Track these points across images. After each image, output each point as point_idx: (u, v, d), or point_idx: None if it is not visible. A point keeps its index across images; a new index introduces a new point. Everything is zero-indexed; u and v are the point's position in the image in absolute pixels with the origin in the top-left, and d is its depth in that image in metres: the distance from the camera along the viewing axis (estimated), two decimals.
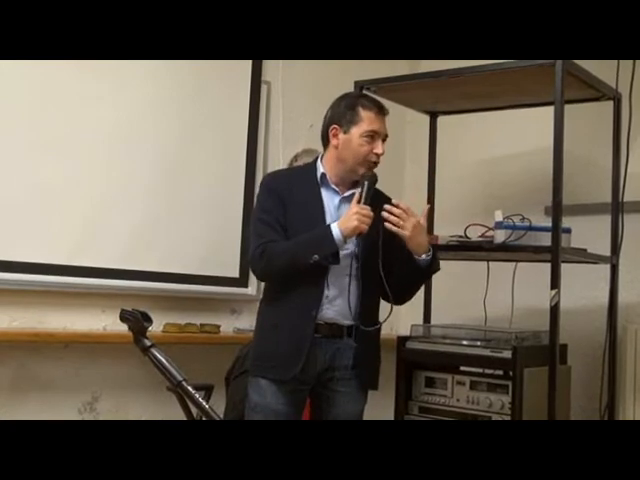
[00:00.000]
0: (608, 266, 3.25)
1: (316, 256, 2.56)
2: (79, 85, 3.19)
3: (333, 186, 2.73)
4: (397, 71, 3.30)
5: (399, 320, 4.28)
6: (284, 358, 2.63)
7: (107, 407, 3.33)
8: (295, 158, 3.97)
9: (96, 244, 3.24)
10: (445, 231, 3.25)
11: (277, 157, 3.87)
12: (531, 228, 2.94)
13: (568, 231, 2.95)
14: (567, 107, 2.84)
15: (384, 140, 2.72)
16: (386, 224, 2.63)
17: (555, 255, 2.77)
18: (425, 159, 3.79)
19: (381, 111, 2.71)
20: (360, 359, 2.70)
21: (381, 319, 2.78)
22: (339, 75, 3.62)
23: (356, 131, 2.67)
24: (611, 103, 3.27)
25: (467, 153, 4.07)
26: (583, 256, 3.07)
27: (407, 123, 4.34)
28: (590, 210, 3.51)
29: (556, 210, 2.79)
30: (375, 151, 2.68)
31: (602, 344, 3.28)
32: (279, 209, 2.68)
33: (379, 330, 2.81)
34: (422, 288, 3.72)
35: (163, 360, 1.85)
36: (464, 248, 3.12)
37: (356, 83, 3.32)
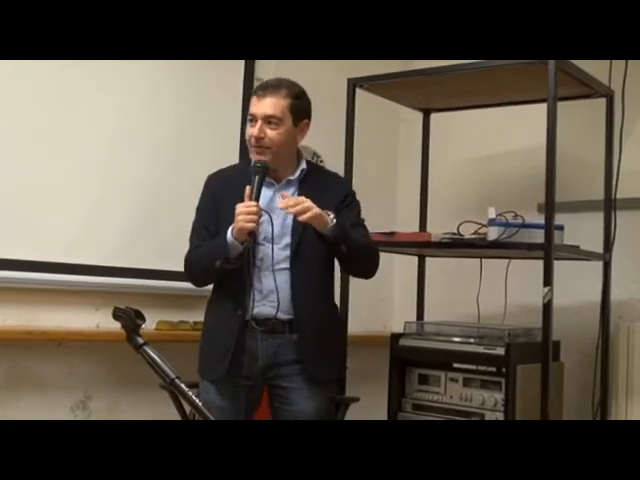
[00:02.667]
0: (601, 263, 3.26)
1: (218, 262, 2.54)
2: (73, 82, 3.18)
3: (267, 178, 2.65)
4: (390, 68, 3.30)
5: (392, 317, 4.30)
6: (213, 358, 2.64)
7: (100, 405, 3.33)
8: None
9: (90, 241, 3.23)
10: (438, 228, 3.25)
11: None
12: (524, 225, 2.95)
13: (561, 228, 2.95)
14: (560, 104, 2.84)
15: (270, 122, 2.58)
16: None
17: (548, 252, 2.78)
18: (418, 156, 3.79)
19: (264, 92, 2.61)
20: (304, 353, 2.63)
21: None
22: (332, 72, 3.62)
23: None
24: (604, 100, 3.28)
25: (460, 150, 4.08)
26: (576, 253, 3.08)
27: (400, 120, 4.34)
28: (583, 207, 3.51)
29: (549, 207, 2.79)
30: (252, 134, 2.59)
31: (595, 341, 3.29)
32: (209, 211, 2.69)
33: (333, 318, 2.78)
34: (416, 284, 3.75)
35: (156, 358, 1.84)
36: (457, 245, 3.13)
37: (349, 80, 3.32)
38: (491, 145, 3.97)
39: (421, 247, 3.37)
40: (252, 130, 2.60)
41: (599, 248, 3.24)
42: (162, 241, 3.43)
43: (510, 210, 3.01)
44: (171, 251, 3.45)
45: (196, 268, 2.67)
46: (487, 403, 3.01)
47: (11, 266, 3.04)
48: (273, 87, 2.62)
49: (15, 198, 3.06)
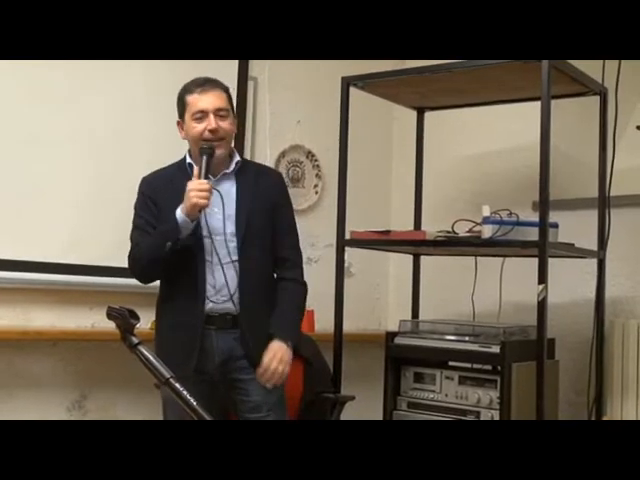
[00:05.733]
0: (595, 261, 3.27)
1: (169, 243, 2.56)
2: (70, 81, 3.19)
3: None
4: (384, 67, 3.30)
5: (387, 315, 4.30)
6: (178, 359, 2.54)
7: (96, 405, 3.33)
8: (282, 154, 3.97)
9: (83, 241, 3.24)
10: (433, 227, 3.25)
11: (264, 153, 3.87)
12: (518, 223, 2.95)
13: (555, 226, 2.96)
14: (553, 102, 2.85)
15: (221, 115, 2.67)
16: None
17: (542, 250, 2.78)
18: (412, 155, 3.79)
19: (204, 88, 2.68)
20: (247, 347, 2.66)
21: None
22: (326, 71, 3.63)
23: (188, 117, 2.69)
24: (597, 98, 3.28)
25: (454, 148, 4.08)
26: (570, 251, 3.08)
27: (394, 119, 4.34)
28: (577, 205, 3.52)
29: (543, 205, 2.80)
30: (207, 127, 2.65)
31: (590, 338, 3.30)
32: (151, 211, 2.71)
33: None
34: (410, 283, 3.75)
35: (151, 357, 1.84)
36: (452, 244, 3.13)
37: (343, 79, 3.31)
38: (485, 143, 3.97)
39: (416, 245, 3.37)
40: (204, 124, 2.65)
41: (593, 246, 3.25)
42: None
43: (505, 208, 3.00)
44: None
45: (143, 259, 2.67)
46: (482, 401, 3.01)
47: (6, 266, 3.03)
48: (210, 82, 2.70)
49: (9, 198, 3.05)
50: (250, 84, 3.82)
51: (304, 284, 2.84)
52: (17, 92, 3.08)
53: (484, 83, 3.19)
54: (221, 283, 2.64)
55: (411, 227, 3.69)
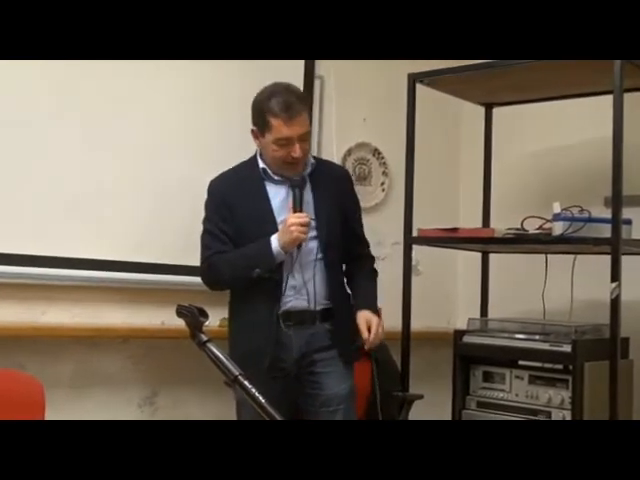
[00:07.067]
0: None
1: (258, 270, 2.60)
2: (130, 82, 3.22)
3: (276, 177, 2.75)
4: (450, 62, 3.26)
5: (456, 314, 4.26)
6: (253, 358, 2.63)
7: (166, 402, 3.37)
8: (349, 152, 3.97)
9: (154, 241, 3.28)
10: (502, 224, 3.21)
11: (331, 151, 3.87)
12: (590, 220, 2.89)
13: (629, 222, 2.89)
14: (626, 96, 2.78)
15: (304, 138, 2.68)
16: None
17: (615, 247, 2.72)
18: (480, 151, 3.75)
19: (290, 115, 2.63)
20: (337, 339, 2.74)
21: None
22: (392, 68, 3.59)
23: (269, 138, 2.67)
24: None
25: (524, 144, 4.02)
26: None
27: (462, 115, 4.29)
28: None
29: (616, 201, 2.74)
30: (292, 155, 2.65)
31: None
32: (223, 215, 2.74)
33: (350, 302, 2.87)
34: (479, 280, 3.71)
35: (219, 355, 1.85)
36: (521, 241, 3.08)
37: (409, 76, 3.30)
38: (555, 138, 3.90)
39: (484, 243, 3.33)
40: (287, 150, 2.65)
41: None
42: None
43: (576, 204, 2.95)
44: None
45: (225, 274, 2.73)
46: (554, 401, 2.96)
47: (78, 265, 3.09)
48: (296, 107, 2.66)
49: (81, 198, 3.11)
50: (317, 83, 3.83)
51: (374, 267, 2.98)
52: (77, 94, 3.12)
53: (553, 77, 3.14)
54: (301, 282, 2.70)
55: (479, 224, 3.65)
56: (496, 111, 3.72)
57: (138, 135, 3.25)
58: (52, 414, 2.41)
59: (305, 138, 2.69)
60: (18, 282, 3.00)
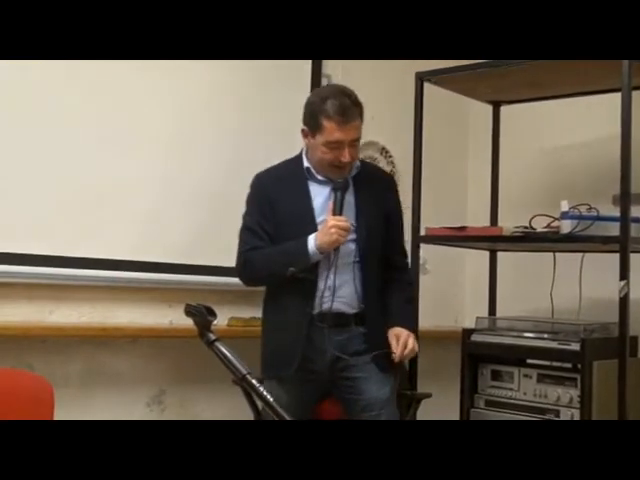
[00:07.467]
0: None
1: (292, 269, 2.59)
2: (136, 83, 3.22)
3: (320, 177, 2.73)
4: (458, 61, 3.26)
5: (464, 312, 4.26)
6: (283, 357, 2.66)
7: (174, 401, 3.37)
8: None
9: (162, 239, 3.28)
10: (510, 222, 3.20)
11: None
12: (599, 218, 2.88)
13: (637, 220, 2.88)
14: (635, 94, 2.77)
15: (354, 144, 2.67)
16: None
17: (624, 245, 2.71)
18: (488, 150, 3.75)
19: (345, 119, 2.62)
20: (372, 343, 2.70)
21: None
22: (399, 67, 3.59)
23: (320, 139, 2.66)
24: None
25: (531, 142, 4.01)
26: None
27: (469, 113, 4.29)
28: None
29: (624, 199, 2.73)
30: (341, 159, 2.64)
31: None
32: (263, 211, 2.74)
33: None
34: (487, 279, 3.71)
35: (227, 354, 1.85)
36: (529, 239, 3.08)
37: (417, 75, 3.30)
38: (563, 136, 3.90)
39: (492, 241, 3.33)
40: (336, 154, 2.63)
41: None
42: (233, 238, 3.45)
43: (584, 202, 2.94)
44: None
45: (261, 271, 2.73)
46: (562, 400, 2.96)
47: (85, 264, 3.10)
48: (351, 111, 2.64)
49: (88, 197, 3.11)
50: (324, 82, 3.82)
51: (411, 283, 2.98)
52: (87, 94, 3.11)
53: (561, 75, 3.13)
54: (338, 283, 2.68)
55: (487, 223, 3.65)
56: (504, 109, 3.71)
57: (150, 133, 3.25)
58: (61, 414, 2.42)
59: (356, 144, 2.68)
60: (26, 282, 3.01)
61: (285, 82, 3.67)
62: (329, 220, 2.61)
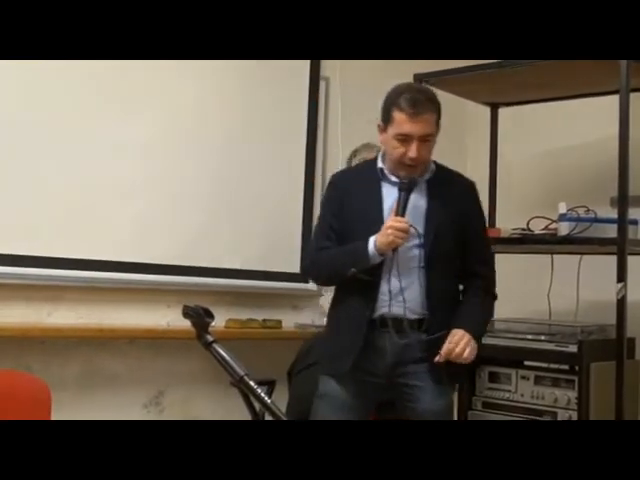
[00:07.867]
0: None
1: (353, 270, 2.55)
2: (143, 82, 3.22)
3: (393, 179, 2.67)
4: (456, 63, 3.26)
5: None
6: (338, 354, 2.64)
7: (172, 402, 3.37)
8: (354, 153, 3.96)
9: (160, 241, 3.28)
10: (508, 224, 3.21)
11: (336, 152, 3.87)
12: (596, 220, 2.89)
13: (635, 222, 2.89)
14: (632, 95, 2.78)
15: (426, 140, 2.59)
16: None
17: (621, 247, 2.72)
18: (486, 151, 3.75)
19: (416, 112, 2.56)
20: (432, 352, 2.58)
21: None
22: (397, 68, 3.59)
23: (391, 132, 2.61)
24: None
25: (529, 144, 4.02)
26: None
27: (467, 115, 4.29)
28: None
29: (622, 201, 2.74)
30: (409, 154, 2.57)
31: None
32: (334, 209, 2.71)
33: None
34: None
35: (225, 355, 1.85)
36: (527, 241, 3.09)
37: (415, 76, 3.30)
38: (561, 138, 3.90)
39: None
40: (404, 150, 2.57)
41: None
42: (230, 240, 3.46)
43: (582, 205, 2.95)
44: (239, 250, 3.49)
45: (324, 270, 2.72)
46: (560, 401, 2.96)
47: (83, 266, 3.09)
48: (424, 105, 2.59)
49: (85, 199, 3.11)
50: (322, 84, 3.83)
51: (494, 295, 2.77)
52: (92, 92, 3.11)
53: (559, 77, 3.14)
54: (398, 288, 2.59)
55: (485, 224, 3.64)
56: (502, 111, 3.72)
57: (147, 135, 3.25)
58: (58, 414, 2.42)
59: (426, 140, 2.59)
60: (24, 283, 3.00)
61: (284, 85, 3.68)
62: (388, 220, 2.55)
